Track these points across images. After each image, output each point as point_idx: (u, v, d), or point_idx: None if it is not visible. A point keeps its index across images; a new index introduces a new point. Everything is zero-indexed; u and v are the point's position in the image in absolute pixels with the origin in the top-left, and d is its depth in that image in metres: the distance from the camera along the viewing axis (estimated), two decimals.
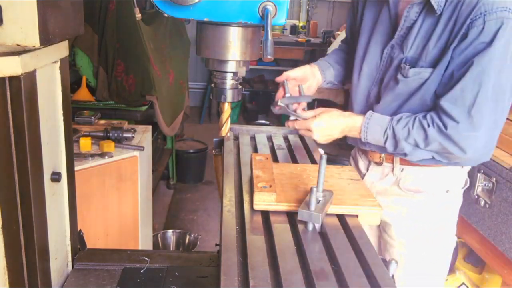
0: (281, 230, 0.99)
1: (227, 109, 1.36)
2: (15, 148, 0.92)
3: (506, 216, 1.74)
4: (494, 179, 1.81)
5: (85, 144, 2.06)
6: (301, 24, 6.92)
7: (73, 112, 1.25)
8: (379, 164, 1.59)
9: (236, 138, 1.57)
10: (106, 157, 2.03)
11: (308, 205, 0.98)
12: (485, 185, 1.86)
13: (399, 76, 1.41)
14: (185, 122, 4.40)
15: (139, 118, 2.81)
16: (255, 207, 1.05)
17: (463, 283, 2.30)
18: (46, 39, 0.91)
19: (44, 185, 1.02)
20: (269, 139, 1.59)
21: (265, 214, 1.06)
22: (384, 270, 0.87)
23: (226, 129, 1.43)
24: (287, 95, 1.50)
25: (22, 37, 0.88)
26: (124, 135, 2.19)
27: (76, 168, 1.28)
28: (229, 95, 1.21)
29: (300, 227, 1.01)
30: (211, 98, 1.42)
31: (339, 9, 6.89)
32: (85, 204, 1.98)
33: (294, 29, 6.86)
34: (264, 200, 1.05)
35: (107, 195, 2.08)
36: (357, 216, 1.08)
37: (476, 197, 1.90)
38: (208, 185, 4.41)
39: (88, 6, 2.70)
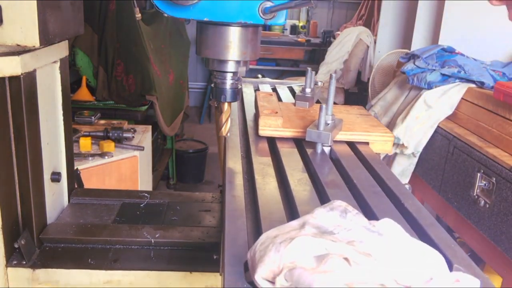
0: (288, 152, 0.93)
1: (227, 109, 1.35)
2: (15, 148, 0.92)
3: (506, 216, 1.74)
4: (494, 179, 1.80)
5: (85, 144, 2.06)
6: (301, 24, 6.91)
7: (73, 112, 1.25)
8: None
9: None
10: (106, 157, 2.03)
11: (316, 125, 0.92)
12: (485, 185, 1.85)
13: None
14: (185, 122, 4.39)
15: (139, 118, 2.81)
16: (261, 132, 0.99)
17: None
18: (46, 39, 0.91)
19: (44, 185, 1.02)
20: (274, 90, 1.51)
21: (271, 141, 0.99)
22: (399, 182, 0.81)
23: (226, 129, 1.43)
24: None
25: (22, 37, 0.88)
26: (124, 135, 2.18)
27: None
28: (229, 95, 1.21)
29: (309, 151, 0.95)
30: (211, 98, 1.41)
31: (339, 9, 6.88)
32: None
33: (294, 29, 6.86)
34: (270, 125, 0.99)
35: None
36: (367, 143, 1.02)
37: (476, 197, 1.89)
38: (208, 185, 4.40)
39: (88, 6, 2.70)
